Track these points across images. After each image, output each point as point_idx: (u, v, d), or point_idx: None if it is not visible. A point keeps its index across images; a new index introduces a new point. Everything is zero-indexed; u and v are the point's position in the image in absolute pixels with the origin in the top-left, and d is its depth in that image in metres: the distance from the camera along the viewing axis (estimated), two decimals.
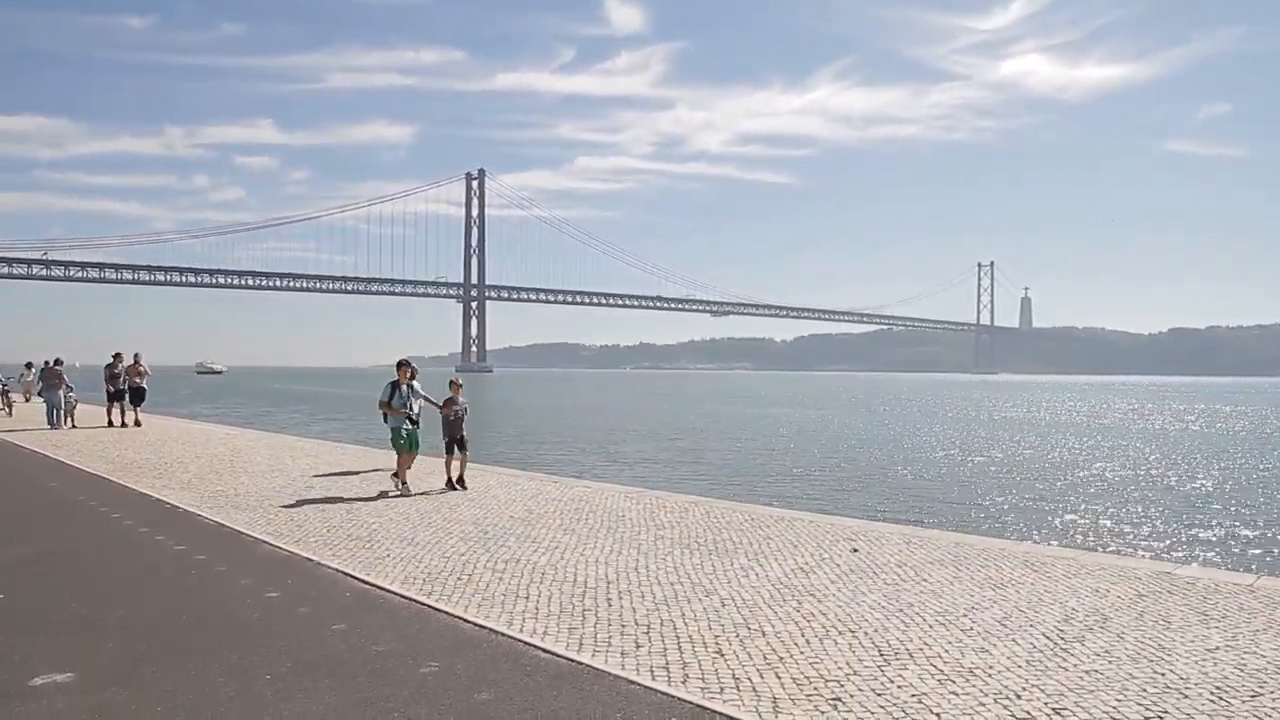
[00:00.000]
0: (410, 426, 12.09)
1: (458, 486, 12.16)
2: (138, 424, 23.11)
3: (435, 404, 12.39)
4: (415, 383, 12.32)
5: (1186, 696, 4.74)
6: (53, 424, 22.94)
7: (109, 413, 23.26)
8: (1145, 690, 4.82)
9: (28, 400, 37.69)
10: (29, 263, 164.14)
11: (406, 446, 12.02)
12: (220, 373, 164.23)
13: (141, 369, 23.58)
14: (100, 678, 4.99)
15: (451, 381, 12.64)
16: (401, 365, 12.45)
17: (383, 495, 11.71)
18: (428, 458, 13.07)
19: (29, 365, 42.84)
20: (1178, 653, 5.45)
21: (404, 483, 11.90)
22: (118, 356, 23.22)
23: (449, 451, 12.28)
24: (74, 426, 22.96)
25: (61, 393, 23.23)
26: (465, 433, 12.36)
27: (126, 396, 23.17)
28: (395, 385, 12.18)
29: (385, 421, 12.30)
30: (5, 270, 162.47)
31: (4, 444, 19.08)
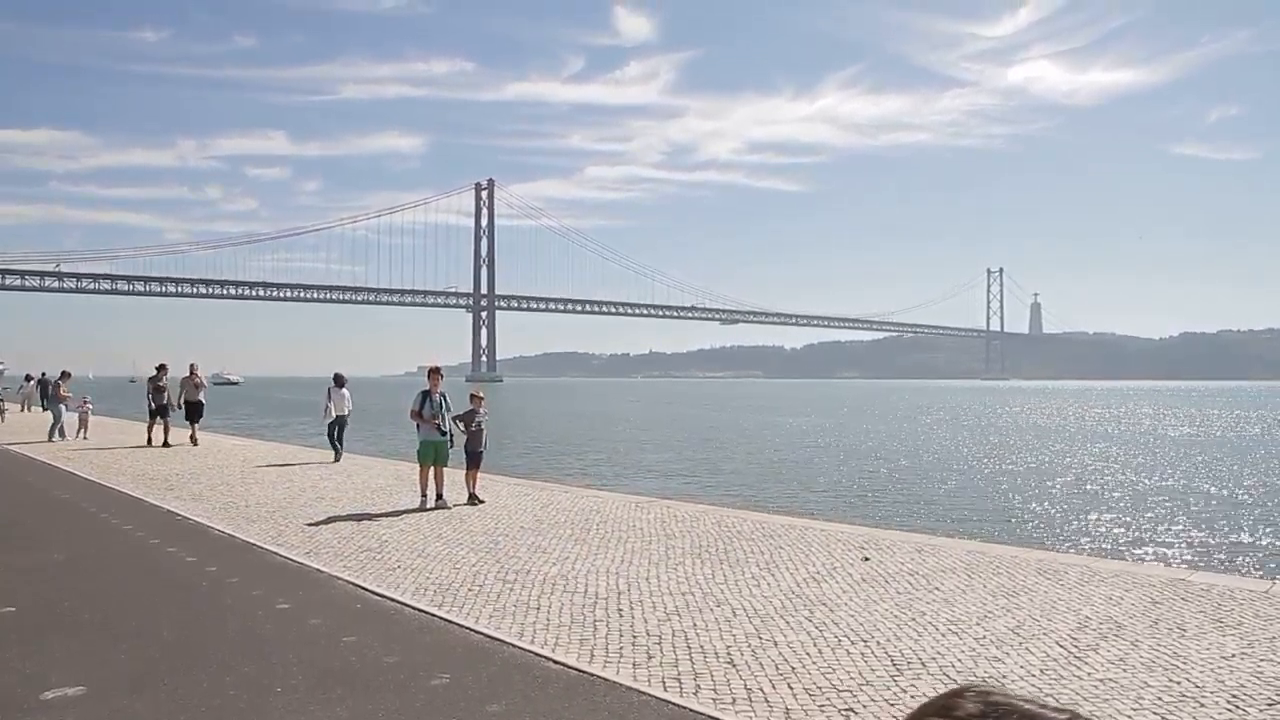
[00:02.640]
0: (439, 438, 11.80)
1: (471, 500, 11.96)
2: (195, 442, 20.69)
3: (459, 427, 11.99)
4: (447, 395, 12.04)
5: (1202, 705, 4.70)
6: (51, 437, 22.29)
7: (149, 430, 20.93)
8: (1161, 699, 4.78)
9: (26, 411, 38.18)
10: (42, 274, 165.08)
11: (433, 459, 11.79)
12: (237, 384, 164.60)
13: (198, 381, 21.07)
14: (112, 690, 4.99)
15: (472, 394, 12.39)
16: (433, 373, 12.05)
17: (403, 512, 11.71)
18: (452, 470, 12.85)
19: (29, 377, 43.69)
20: (1193, 660, 5.40)
21: (424, 495, 11.73)
22: (162, 368, 21.03)
23: (468, 465, 12.12)
24: (86, 438, 22.68)
25: (62, 406, 22.91)
26: (482, 447, 12.14)
27: (181, 412, 20.82)
28: (427, 395, 11.84)
29: (417, 432, 12.03)
30: (19, 282, 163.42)
31: (16, 456, 19.18)
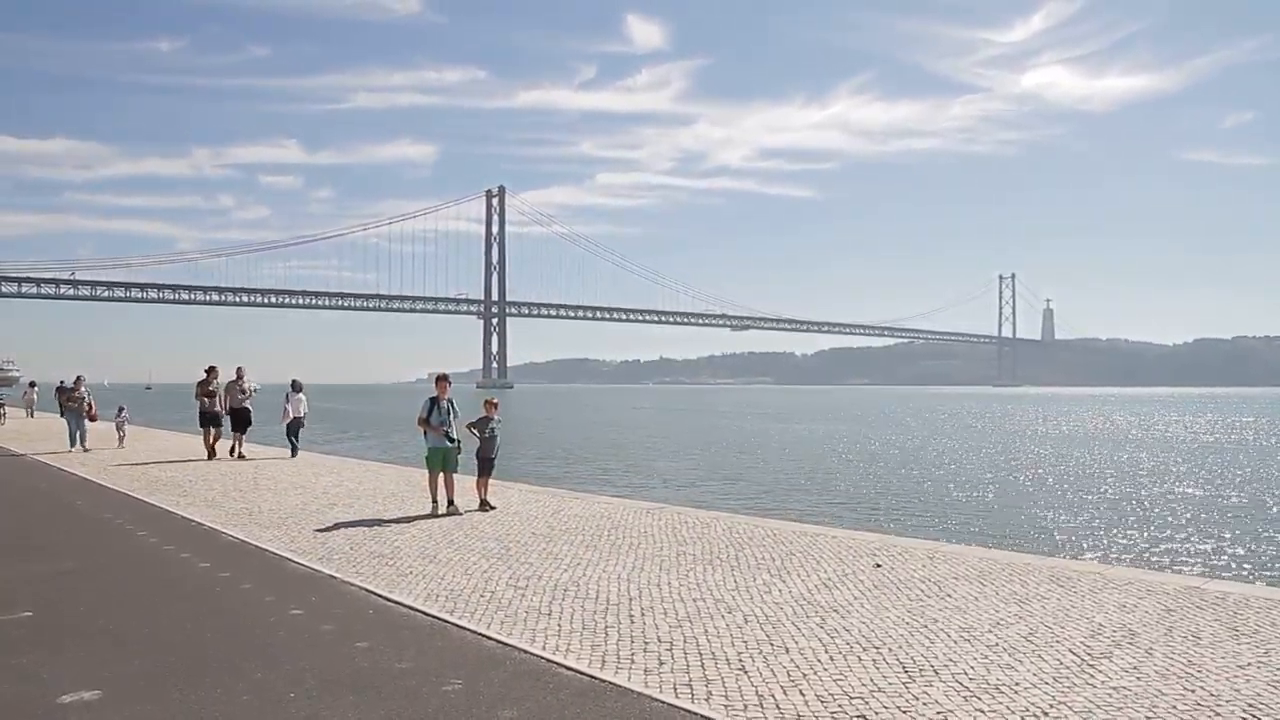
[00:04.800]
0: (448, 445, 11.74)
1: (481, 507, 11.94)
2: (241, 455, 19.10)
3: (474, 433, 11.97)
4: (455, 402, 11.97)
5: (1218, 714, 4.67)
6: (71, 446, 21.42)
7: (205, 440, 19.39)
8: (1175, 708, 4.75)
9: (31, 416, 38.77)
10: (57, 283, 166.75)
11: (441, 466, 11.73)
12: (254, 390, 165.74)
13: (244, 386, 19.28)
14: (127, 695, 5.03)
15: (486, 401, 12.34)
16: (440, 380, 11.98)
17: (414, 518, 11.74)
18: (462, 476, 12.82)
19: (32, 384, 44.56)
20: (1208, 669, 5.37)
21: (435, 501, 11.69)
22: (212, 371, 19.36)
23: (479, 472, 12.11)
24: (121, 445, 22.14)
25: (84, 417, 21.78)
26: (494, 454, 12.12)
27: (226, 421, 19.28)
28: (434, 402, 11.79)
29: (425, 439, 11.97)
30: (34, 290, 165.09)
31: (33, 463, 19.32)
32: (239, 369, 19.60)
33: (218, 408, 19.23)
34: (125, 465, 18.24)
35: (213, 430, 19.36)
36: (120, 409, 23.86)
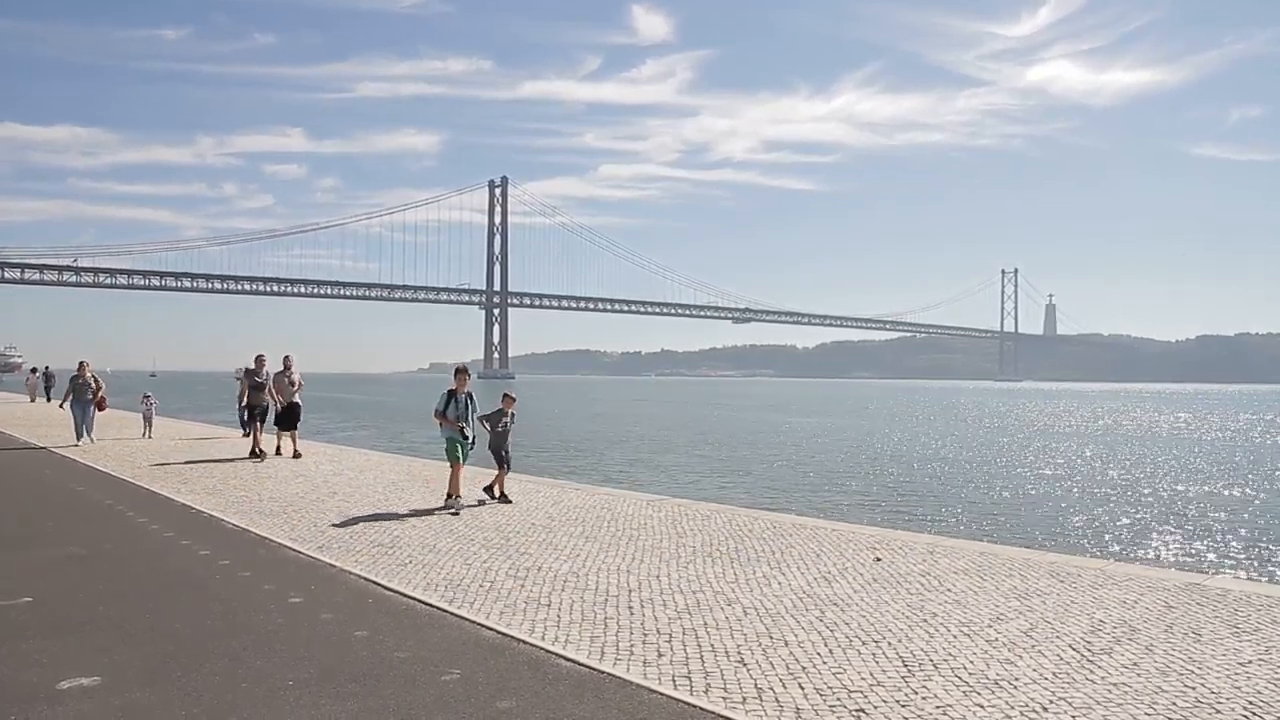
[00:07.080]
0: (462, 439, 11.49)
1: (500, 499, 11.80)
2: (296, 454, 17.28)
3: (486, 426, 11.87)
4: (474, 396, 11.77)
5: (1218, 711, 4.66)
6: (79, 438, 19.48)
7: (252, 437, 17.61)
8: (1175, 704, 4.74)
9: (33, 402, 39.05)
10: (60, 269, 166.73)
11: (461, 458, 11.46)
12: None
13: (293, 378, 17.37)
14: (126, 682, 5.03)
15: (505, 395, 12.15)
16: (460, 373, 11.72)
17: (415, 509, 11.74)
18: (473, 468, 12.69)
19: (34, 370, 44.82)
20: (1209, 666, 5.36)
21: (449, 495, 11.34)
22: (260, 360, 17.50)
23: (498, 465, 11.98)
24: (150, 437, 21.17)
25: (93, 406, 19.76)
26: (505, 447, 12.00)
27: (272, 416, 17.52)
28: (452, 394, 11.54)
29: (441, 431, 11.74)
30: (37, 276, 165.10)
31: (38, 451, 19.33)
32: (286, 359, 17.54)
33: (267, 401, 17.31)
34: (141, 457, 18.22)
35: (259, 425, 17.52)
36: (147, 396, 22.62)
